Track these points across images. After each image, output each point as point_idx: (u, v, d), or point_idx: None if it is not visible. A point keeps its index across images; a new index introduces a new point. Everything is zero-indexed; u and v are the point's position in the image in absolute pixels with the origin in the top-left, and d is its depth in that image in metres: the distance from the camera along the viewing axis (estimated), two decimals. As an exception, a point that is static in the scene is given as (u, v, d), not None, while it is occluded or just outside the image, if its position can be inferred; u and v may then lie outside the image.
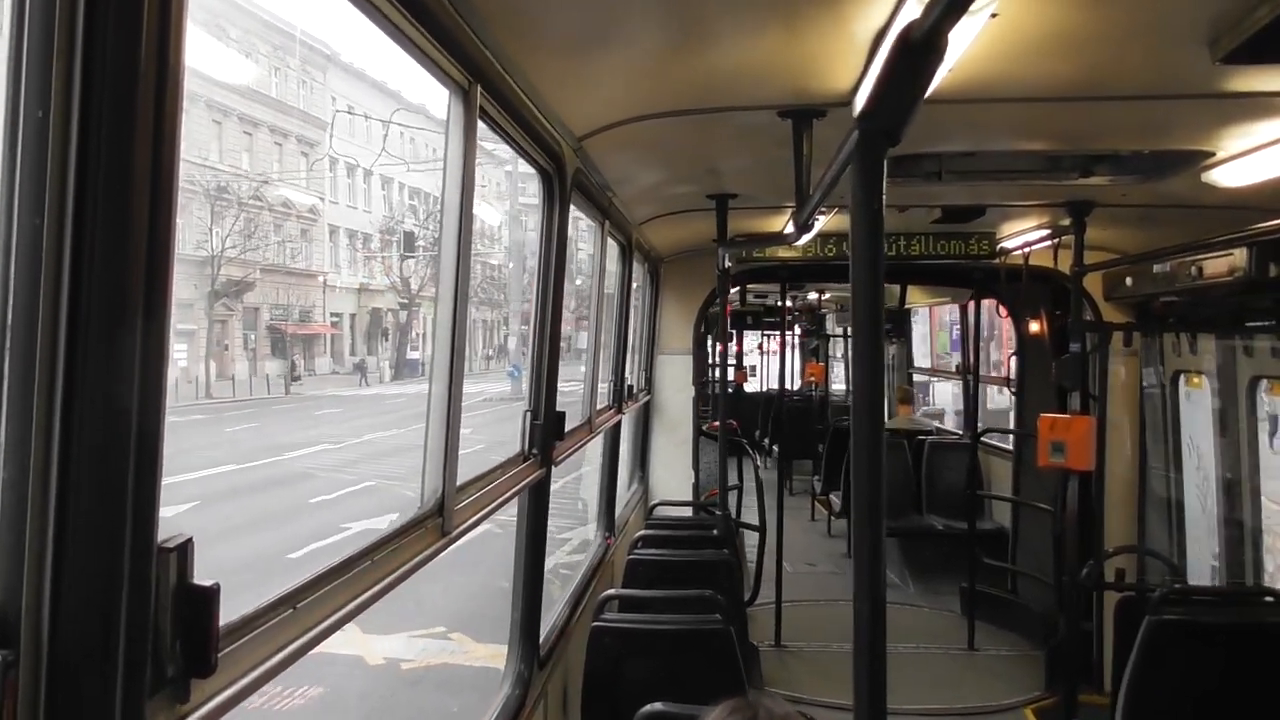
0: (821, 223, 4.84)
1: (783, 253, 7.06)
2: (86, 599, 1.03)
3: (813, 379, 14.32)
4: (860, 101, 2.92)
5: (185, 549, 1.18)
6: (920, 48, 1.31)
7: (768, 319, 12.68)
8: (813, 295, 13.75)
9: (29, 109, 0.97)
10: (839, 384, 16.00)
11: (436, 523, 2.27)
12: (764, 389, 17.98)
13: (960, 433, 10.69)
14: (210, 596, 1.20)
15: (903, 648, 6.88)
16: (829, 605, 8.17)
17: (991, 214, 5.66)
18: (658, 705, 2.83)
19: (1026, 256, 6.30)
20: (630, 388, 6.43)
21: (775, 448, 8.59)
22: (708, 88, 3.05)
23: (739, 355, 12.89)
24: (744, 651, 4.10)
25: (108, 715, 1.05)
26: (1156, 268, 5.51)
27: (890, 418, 12.61)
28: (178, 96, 1.10)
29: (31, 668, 0.99)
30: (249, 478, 18.18)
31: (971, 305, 8.72)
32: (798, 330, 17.64)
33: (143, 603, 1.10)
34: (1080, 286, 5.35)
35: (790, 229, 5.57)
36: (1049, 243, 5.93)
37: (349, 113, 43.65)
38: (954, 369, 11.21)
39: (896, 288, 10.81)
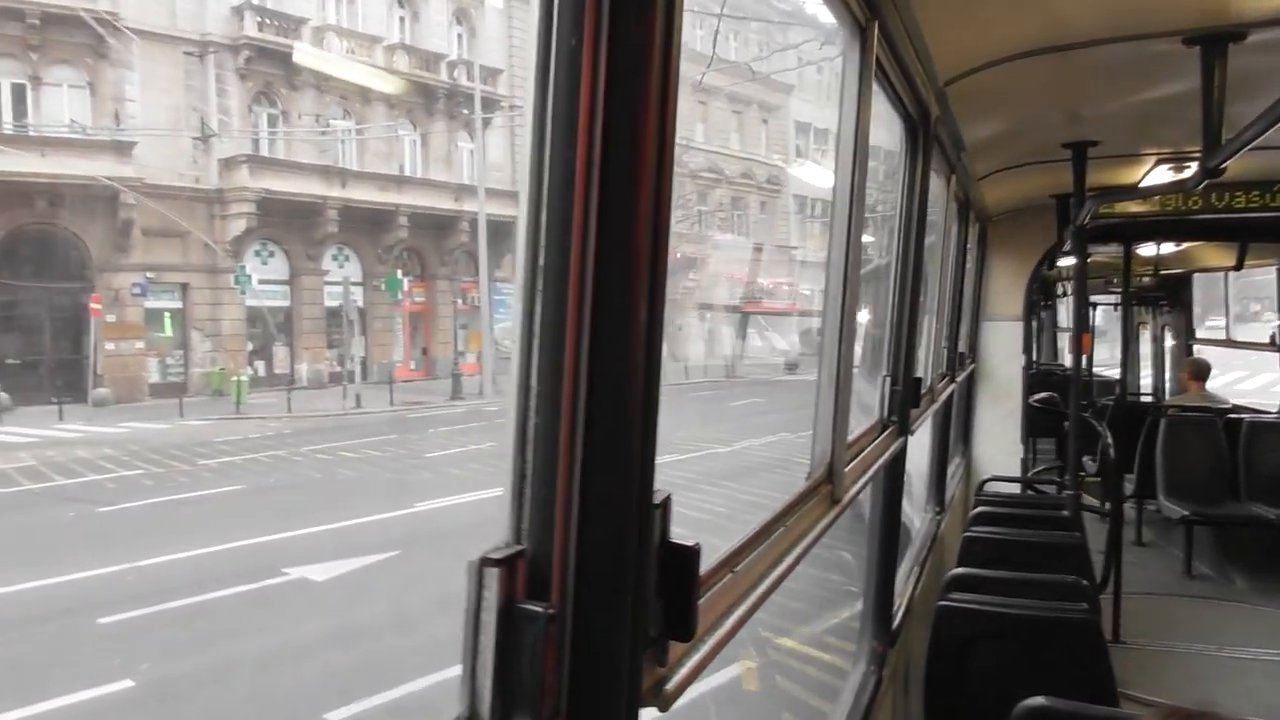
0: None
1: (1133, 208, 6.33)
2: (603, 556, 1.02)
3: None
4: None
5: (666, 506, 1.15)
6: None
7: None
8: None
9: (562, 36, 0.96)
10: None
11: (827, 490, 2.18)
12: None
13: (1272, 410, 9.15)
14: (692, 556, 1.15)
15: (1254, 653, 5.96)
16: (1163, 599, 7.28)
17: None
18: (1040, 699, 2.58)
19: None
20: (962, 355, 6.07)
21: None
22: (1095, 16, 2.70)
23: None
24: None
25: (617, 670, 1.05)
26: None
27: (1172, 395, 11.09)
28: (679, 53, 1.06)
29: (559, 621, 1.00)
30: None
31: None
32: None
33: (643, 560, 1.08)
34: None
35: (1173, 175, 4.93)
36: None
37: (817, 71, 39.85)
38: (1270, 339, 9.59)
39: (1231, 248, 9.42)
